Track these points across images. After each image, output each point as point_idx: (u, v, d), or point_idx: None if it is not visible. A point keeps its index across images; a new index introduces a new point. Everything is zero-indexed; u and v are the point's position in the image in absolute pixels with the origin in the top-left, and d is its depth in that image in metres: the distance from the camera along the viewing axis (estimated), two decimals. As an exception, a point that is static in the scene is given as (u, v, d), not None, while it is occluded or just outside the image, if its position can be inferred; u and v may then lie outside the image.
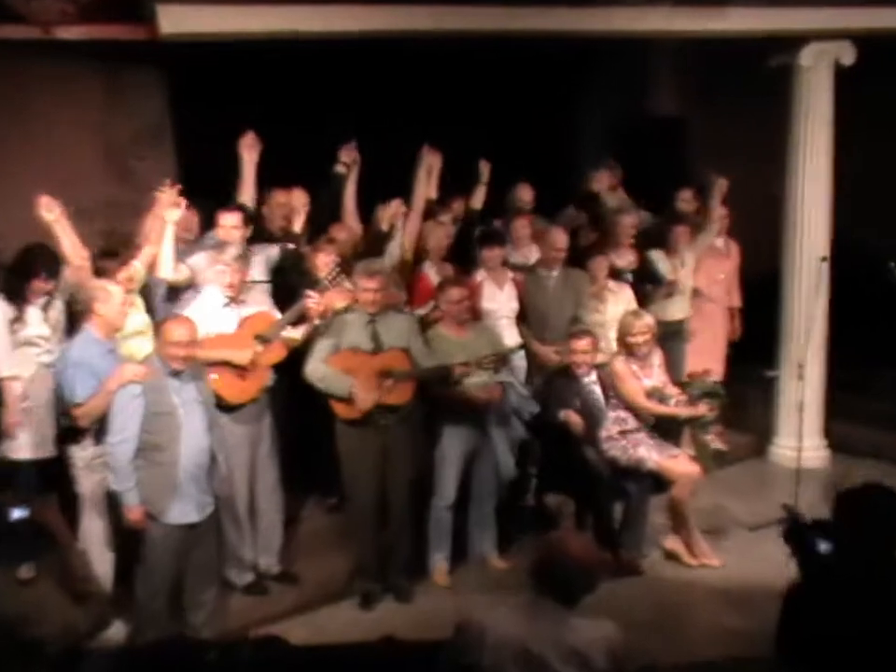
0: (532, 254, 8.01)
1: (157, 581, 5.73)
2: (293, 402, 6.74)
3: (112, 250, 6.63)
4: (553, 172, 8.81)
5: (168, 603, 5.81)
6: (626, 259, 8.17)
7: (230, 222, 6.63)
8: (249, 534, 6.59)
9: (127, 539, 5.77)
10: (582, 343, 7.08)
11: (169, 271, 6.42)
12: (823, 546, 4.20)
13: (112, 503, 5.82)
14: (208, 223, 6.91)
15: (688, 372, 7.58)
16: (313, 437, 6.89)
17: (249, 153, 7.02)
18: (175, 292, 6.61)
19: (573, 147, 9.95)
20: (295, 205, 7.06)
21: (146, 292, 6.46)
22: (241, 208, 6.78)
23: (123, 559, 5.96)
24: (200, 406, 5.73)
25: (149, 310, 6.42)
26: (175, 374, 5.65)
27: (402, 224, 7.29)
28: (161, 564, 5.71)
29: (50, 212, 5.97)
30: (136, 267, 6.29)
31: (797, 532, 4.33)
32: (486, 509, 7.15)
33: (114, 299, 5.87)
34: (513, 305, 7.57)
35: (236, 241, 6.53)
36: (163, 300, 6.61)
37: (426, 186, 7.59)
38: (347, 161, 7.50)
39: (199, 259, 6.62)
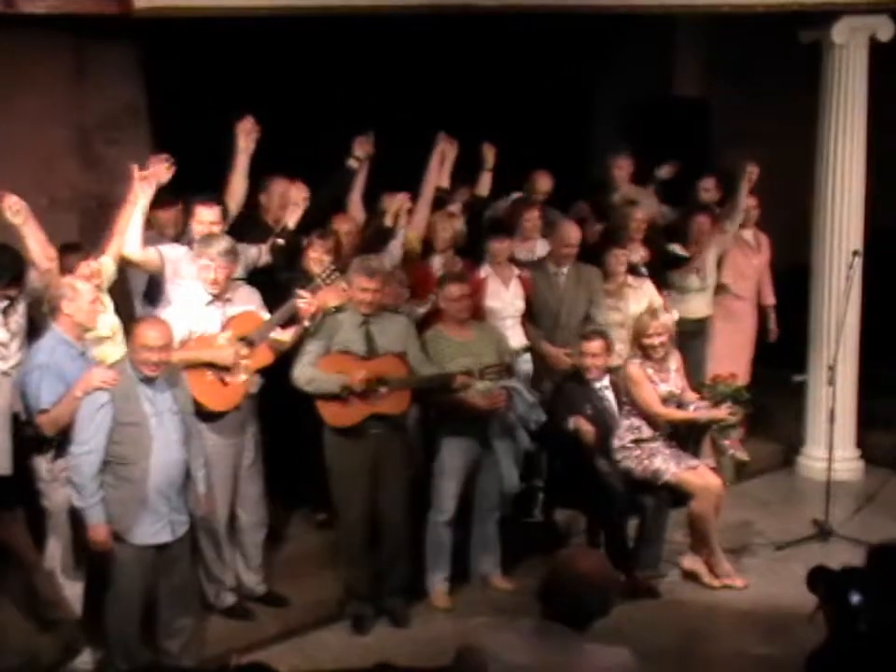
0: (537, 248, 8.04)
1: (127, 606, 5.67)
2: (280, 411, 6.70)
3: (74, 244, 6.56)
4: (567, 157, 8.89)
5: (141, 629, 5.75)
6: (638, 254, 8.15)
7: (208, 217, 6.56)
8: (230, 552, 6.55)
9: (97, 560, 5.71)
10: (594, 345, 7.05)
11: (135, 248, 6.28)
12: (855, 598, 4.20)
13: (76, 521, 5.74)
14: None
15: (712, 375, 7.57)
16: (300, 447, 6.87)
17: (246, 140, 6.89)
18: (156, 287, 6.57)
19: (589, 130, 10.02)
20: (294, 199, 6.96)
21: (117, 291, 6.42)
22: (218, 201, 6.71)
23: (94, 581, 5.87)
24: (175, 417, 5.67)
25: (119, 311, 6.34)
26: (148, 381, 5.58)
27: (406, 221, 7.33)
28: (130, 588, 5.65)
29: (16, 215, 5.87)
30: (104, 263, 6.20)
31: (827, 582, 4.33)
32: (489, 525, 7.12)
33: (83, 297, 5.77)
34: (519, 304, 7.57)
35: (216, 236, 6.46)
36: (142, 296, 6.61)
37: (437, 174, 7.61)
38: (360, 155, 7.43)
39: (176, 250, 6.56)
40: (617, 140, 9.23)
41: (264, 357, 6.36)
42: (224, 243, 6.28)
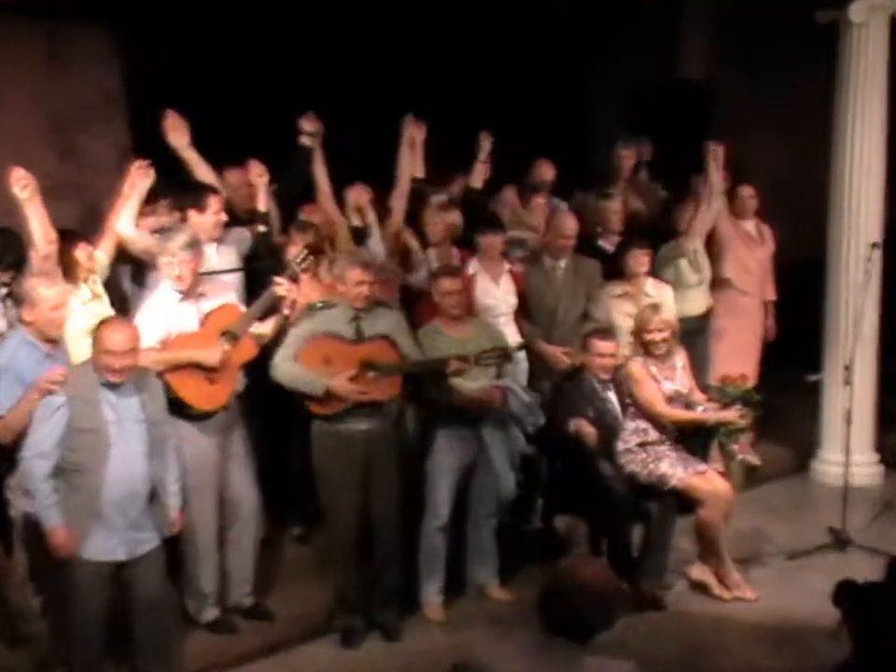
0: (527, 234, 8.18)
1: (87, 622, 5.61)
2: (258, 412, 6.76)
3: (72, 231, 6.53)
4: (565, 146, 8.91)
5: (107, 646, 5.70)
6: (614, 245, 8.28)
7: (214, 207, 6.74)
8: (214, 563, 6.53)
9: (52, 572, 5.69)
10: (609, 345, 7.08)
11: (128, 226, 6.48)
12: (881, 612, 4.22)
13: (32, 531, 5.71)
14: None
15: (720, 376, 7.57)
16: (278, 451, 6.95)
17: (175, 136, 7.03)
18: (142, 274, 6.67)
19: (588, 117, 10.03)
20: (254, 181, 7.08)
21: (113, 285, 6.55)
22: (215, 190, 6.85)
23: (51, 596, 5.88)
24: (139, 426, 5.56)
25: (113, 302, 6.44)
26: (112, 386, 5.49)
27: (374, 216, 7.38)
28: (88, 604, 5.58)
29: (24, 189, 5.87)
30: (98, 257, 6.31)
31: (852, 597, 4.33)
32: (486, 532, 7.14)
33: (44, 303, 5.73)
34: (512, 300, 7.60)
35: (217, 229, 6.70)
36: (130, 278, 6.74)
37: (410, 162, 7.63)
38: (311, 130, 7.44)
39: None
40: (618, 128, 9.27)
41: (248, 350, 6.40)
42: (183, 236, 6.31)
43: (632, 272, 7.89)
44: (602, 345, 7.08)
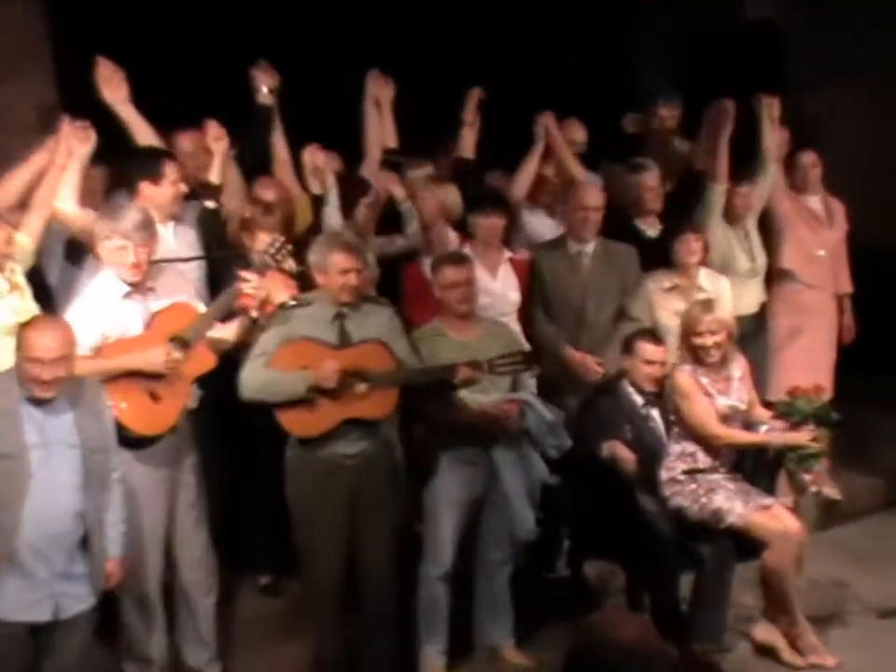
0: (547, 219, 8.22)
1: None
2: (213, 429, 6.74)
3: None
4: (599, 104, 8.88)
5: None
6: (655, 229, 8.29)
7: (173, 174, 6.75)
8: (162, 623, 6.47)
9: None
10: (660, 351, 7.10)
11: (69, 202, 6.48)
12: None
13: None
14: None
15: (789, 388, 7.33)
16: (241, 481, 7.00)
17: (109, 89, 7.00)
18: (77, 254, 6.65)
19: (629, 68, 10.09)
20: (210, 146, 7.12)
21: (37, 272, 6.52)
22: (170, 155, 6.88)
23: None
24: (72, 452, 5.41)
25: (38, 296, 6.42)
26: (38, 402, 5.36)
27: (334, 181, 7.41)
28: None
29: None
30: (20, 241, 6.27)
31: None
32: (498, 581, 7.05)
33: None
34: (513, 297, 7.58)
35: (176, 204, 6.78)
36: (63, 257, 6.74)
37: (377, 127, 7.82)
38: (269, 85, 7.48)
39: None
40: (663, 80, 9.30)
41: (204, 360, 6.27)
42: (137, 213, 6.25)
43: (682, 261, 7.83)
44: (651, 350, 7.09)
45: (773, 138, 8.30)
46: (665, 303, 7.78)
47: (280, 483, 6.46)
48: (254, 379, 6.25)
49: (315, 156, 7.45)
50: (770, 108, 8.24)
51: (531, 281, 7.64)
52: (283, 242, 6.41)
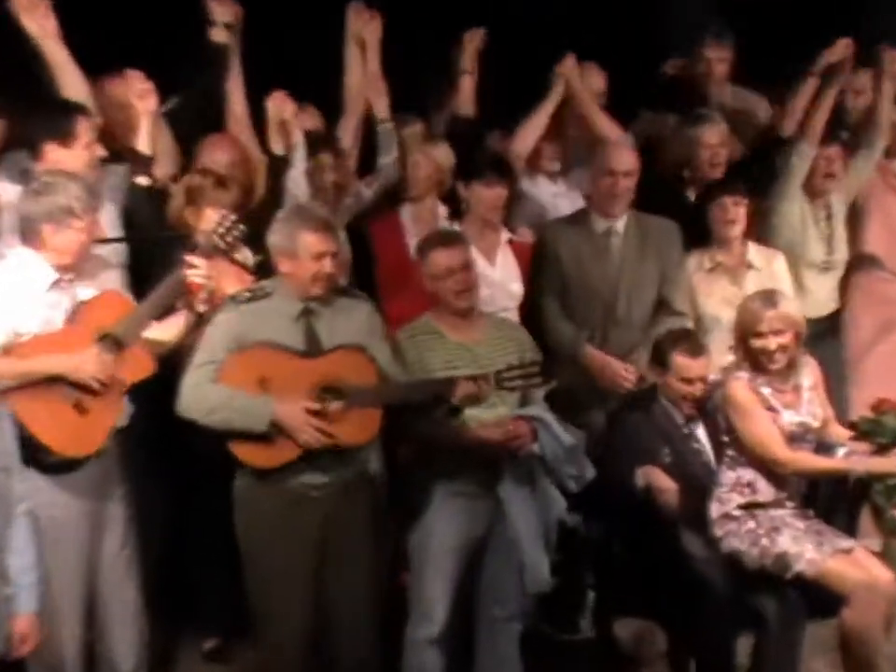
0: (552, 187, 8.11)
1: None
2: (148, 454, 6.65)
3: None
4: (629, 47, 8.83)
5: None
6: None
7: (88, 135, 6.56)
8: None
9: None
10: (699, 365, 6.88)
11: None
12: None
13: None
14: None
15: (874, 401, 7.05)
16: (181, 519, 6.94)
17: (33, 20, 6.80)
18: None
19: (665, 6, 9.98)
20: (134, 102, 6.98)
21: None
22: (84, 110, 6.66)
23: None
24: None
25: None
26: None
27: (301, 138, 7.38)
28: None
29: None
30: None
31: None
32: (505, 642, 6.79)
33: None
34: (515, 289, 7.48)
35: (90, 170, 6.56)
36: None
37: (360, 72, 7.64)
38: (225, 19, 7.33)
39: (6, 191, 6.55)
40: (708, 21, 9.06)
41: (140, 365, 6.12)
42: (81, 179, 6.19)
43: (721, 233, 7.65)
44: (687, 364, 6.89)
45: (890, 104, 8.17)
46: (709, 288, 7.66)
47: (230, 520, 6.23)
48: (200, 397, 6.03)
49: (282, 105, 7.31)
50: (894, 65, 8.10)
51: (538, 265, 7.49)
52: (235, 222, 6.25)
